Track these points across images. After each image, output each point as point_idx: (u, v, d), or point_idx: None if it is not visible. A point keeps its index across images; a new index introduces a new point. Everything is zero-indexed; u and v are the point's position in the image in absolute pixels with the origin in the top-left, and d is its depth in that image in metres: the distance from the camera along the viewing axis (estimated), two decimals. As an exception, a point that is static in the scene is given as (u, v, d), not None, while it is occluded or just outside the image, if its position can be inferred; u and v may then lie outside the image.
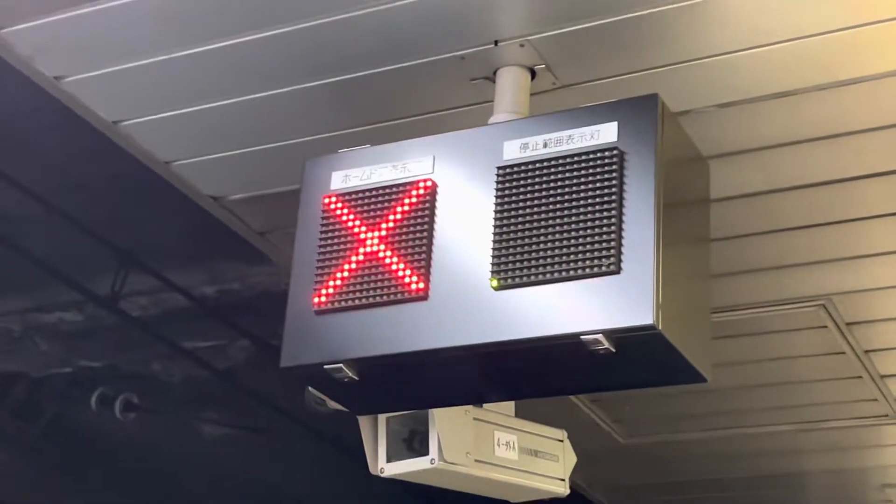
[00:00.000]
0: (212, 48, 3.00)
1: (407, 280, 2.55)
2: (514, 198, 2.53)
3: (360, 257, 2.61)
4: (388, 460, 3.01)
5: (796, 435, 4.93)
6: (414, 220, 2.60)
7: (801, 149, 3.23)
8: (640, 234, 2.40)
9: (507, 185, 2.54)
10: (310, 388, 2.87)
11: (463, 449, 2.98)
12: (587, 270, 2.41)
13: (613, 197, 2.43)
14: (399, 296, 2.55)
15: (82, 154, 3.68)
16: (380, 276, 2.58)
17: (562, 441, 3.23)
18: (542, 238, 2.47)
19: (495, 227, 2.52)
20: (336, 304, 2.60)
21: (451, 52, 2.93)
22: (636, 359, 2.43)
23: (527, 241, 2.48)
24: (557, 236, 2.45)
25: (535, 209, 2.49)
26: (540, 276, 2.44)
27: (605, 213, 2.43)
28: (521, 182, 2.53)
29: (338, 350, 2.57)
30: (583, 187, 2.47)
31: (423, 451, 2.96)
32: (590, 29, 2.83)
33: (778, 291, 3.91)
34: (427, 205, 2.60)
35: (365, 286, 2.58)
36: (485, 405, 3.07)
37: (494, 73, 2.93)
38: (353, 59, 2.99)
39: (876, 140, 3.16)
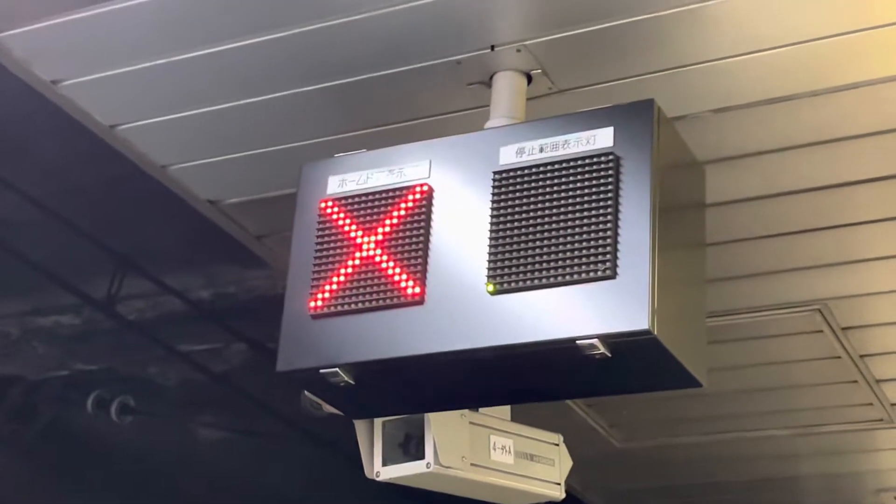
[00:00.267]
0: (209, 52, 3.00)
1: (403, 284, 2.55)
2: (510, 202, 2.53)
3: (357, 262, 2.61)
4: (384, 464, 3.01)
5: (792, 439, 4.93)
6: (410, 225, 2.60)
7: (796, 154, 3.23)
8: (636, 239, 2.41)
9: (504, 189, 2.55)
10: (306, 392, 2.87)
11: (459, 453, 2.98)
12: (583, 275, 2.41)
13: (609, 202, 2.44)
14: (395, 300, 2.55)
15: (79, 158, 3.67)
16: (376, 281, 2.58)
17: (557, 445, 3.23)
18: (538, 243, 2.47)
19: (491, 231, 2.52)
20: (332, 309, 2.60)
21: (448, 57, 2.93)
22: (632, 363, 2.43)
23: (523, 245, 2.48)
24: (553, 241, 2.46)
25: (532, 214, 2.50)
26: (536, 281, 2.45)
27: (601, 218, 2.43)
28: (518, 187, 2.53)
29: (334, 354, 2.58)
30: (579, 192, 2.48)
31: (419, 455, 2.97)
32: (586, 34, 2.83)
33: (774, 296, 3.91)
34: (423, 209, 2.61)
35: (361, 290, 2.59)
36: (481, 409, 3.07)
37: (491, 77, 2.94)
38: (349, 63, 3.00)
39: (871, 145, 3.17)
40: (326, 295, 2.61)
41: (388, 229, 2.61)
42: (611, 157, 2.47)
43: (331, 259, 2.64)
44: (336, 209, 2.68)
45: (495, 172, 2.57)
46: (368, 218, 2.64)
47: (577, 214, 2.46)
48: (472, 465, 3.01)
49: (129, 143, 3.35)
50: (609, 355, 2.38)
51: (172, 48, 3.01)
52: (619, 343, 2.38)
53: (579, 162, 2.50)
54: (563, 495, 3.21)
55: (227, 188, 3.55)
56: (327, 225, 2.67)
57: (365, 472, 3.03)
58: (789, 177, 3.33)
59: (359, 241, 2.62)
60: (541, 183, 2.51)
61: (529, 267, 2.46)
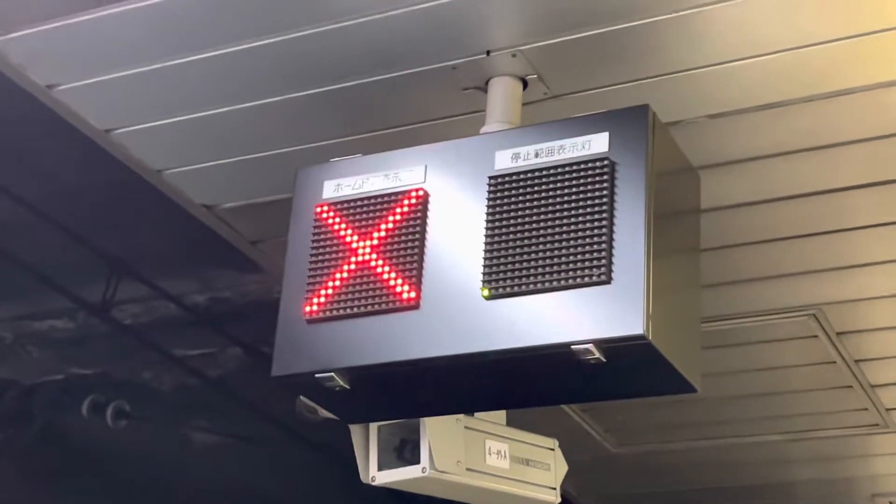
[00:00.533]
0: (205, 57, 3.00)
1: (398, 289, 2.56)
2: (505, 207, 2.53)
3: (352, 266, 2.61)
4: (380, 469, 3.01)
5: (787, 444, 4.93)
6: (406, 230, 2.61)
7: (791, 159, 3.24)
8: (630, 244, 2.41)
9: (499, 194, 2.55)
10: (301, 397, 2.87)
11: (454, 457, 2.99)
12: (578, 280, 2.41)
13: (604, 207, 2.44)
14: (390, 305, 2.56)
15: (74, 162, 3.67)
16: (371, 286, 2.58)
17: (553, 450, 3.23)
18: (533, 248, 2.47)
19: (487, 236, 2.53)
20: (328, 314, 2.60)
21: (443, 62, 2.94)
22: (626, 369, 2.44)
23: (518, 250, 2.49)
24: (548, 246, 2.46)
25: (527, 219, 2.50)
26: (531, 286, 2.45)
27: (596, 223, 2.44)
28: (513, 192, 2.54)
29: (329, 359, 2.58)
30: (574, 197, 2.48)
31: (415, 459, 2.97)
32: (581, 39, 2.84)
33: (768, 301, 3.92)
34: (419, 214, 2.61)
35: (356, 295, 2.59)
36: (476, 414, 3.08)
37: (486, 83, 2.94)
38: (345, 68, 3.00)
39: (865, 151, 3.18)
40: (322, 299, 2.61)
41: (383, 234, 2.62)
42: (606, 162, 2.48)
43: (326, 263, 2.64)
44: (331, 214, 2.68)
45: (490, 177, 2.57)
46: (364, 222, 2.64)
47: (572, 219, 2.46)
48: (467, 469, 3.01)
49: (125, 147, 3.35)
50: (604, 360, 2.39)
51: (168, 53, 3.01)
52: (614, 348, 2.38)
53: (574, 167, 2.50)
54: (559, 500, 3.21)
55: (223, 193, 3.55)
56: (323, 229, 2.68)
57: (360, 477, 3.03)
58: (784, 182, 3.34)
59: (354, 245, 2.63)
60: (536, 188, 2.52)
61: (524, 272, 2.46)
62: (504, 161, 2.59)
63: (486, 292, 2.49)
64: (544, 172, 2.53)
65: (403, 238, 2.60)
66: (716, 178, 3.23)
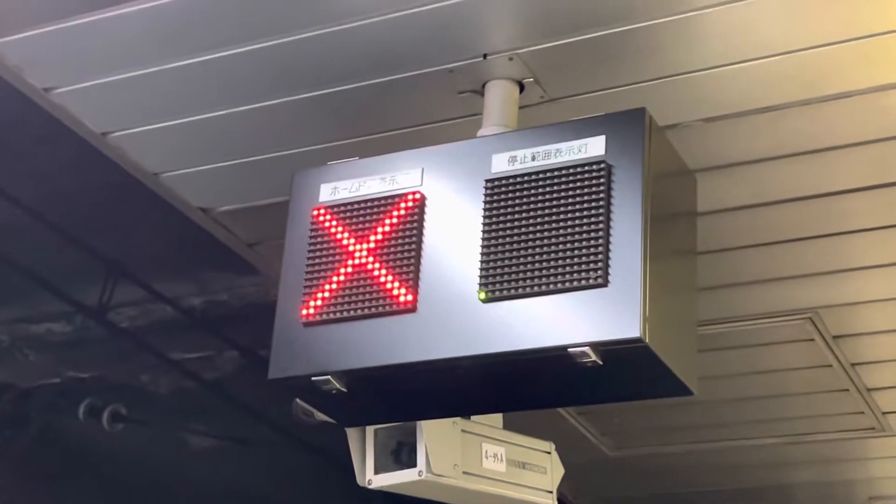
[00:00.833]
0: (201, 60, 3.00)
1: (395, 292, 2.56)
2: (502, 210, 2.53)
3: (349, 269, 2.61)
4: (376, 472, 3.01)
5: (783, 448, 4.93)
6: (402, 233, 2.61)
7: (787, 163, 3.24)
8: (627, 248, 2.41)
9: (496, 197, 2.55)
10: (298, 400, 2.87)
11: (451, 461, 2.99)
12: (574, 283, 2.42)
13: (601, 210, 2.44)
14: (387, 308, 2.56)
15: (71, 165, 3.67)
16: (368, 289, 2.58)
17: (549, 453, 3.23)
18: (529, 251, 2.48)
19: (483, 239, 2.53)
20: (324, 316, 2.60)
21: (440, 66, 2.94)
22: (623, 371, 2.44)
23: (515, 253, 2.49)
24: (545, 249, 2.46)
25: (523, 222, 2.50)
26: (527, 289, 2.45)
27: (593, 227, 2.44)
28: (509, 195, 2.54)
29: (326, 362, 2.58)
30: (570, 200, 2.48)
31: (411, 462, 2.97)
32: (578, 43, 2.84)
33: (765, 305, 3.92)
34: (415, 217, 2.61)
35: (353, 298, 2.59)
36: (473, 417, 3.07)
37: (483, 86, 2.94)
38: (341, 71, 3.00)
39: (861, 154, 3.18)
40: (319, 302, 2.61)
41: (380, 237, 2.62)
42: (602, 165, 2.48)
43: (323, 267, 2.64)
44: (328, 217, 2.68)
45: (487, 180, 2.58)
46: (360, 226, 2.64)
47: (569, 222, 2.46)
48: (463, 473, 3.01)
49: (122, 150, 3.35)
50: (600, 363, 2.39)
51: (165, 56, 3.01)
52: (611, 351, 2.38)
53: (571, 170, 2.50)
54: (555, 503, 3.21)
55: (219, 196, 3.55)
56: (319, 233, 2.68)
57: (357, 480, 3.03)
58: (780, 185, 3.34)
59: (351, 248, 2.63)
60: (533, 191, 2.52)
61: (521, 275, 2.46)
62: (501, 164, 2.59)
63: (482, 295, 2.49)
64: (541, 175, 2.53)
65: (400, 241, 2.60)
66: (713, 181, 3.23)
